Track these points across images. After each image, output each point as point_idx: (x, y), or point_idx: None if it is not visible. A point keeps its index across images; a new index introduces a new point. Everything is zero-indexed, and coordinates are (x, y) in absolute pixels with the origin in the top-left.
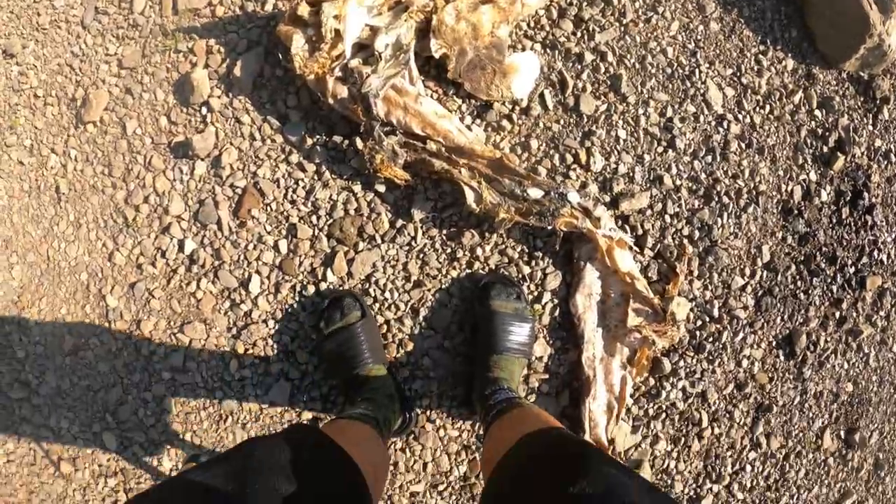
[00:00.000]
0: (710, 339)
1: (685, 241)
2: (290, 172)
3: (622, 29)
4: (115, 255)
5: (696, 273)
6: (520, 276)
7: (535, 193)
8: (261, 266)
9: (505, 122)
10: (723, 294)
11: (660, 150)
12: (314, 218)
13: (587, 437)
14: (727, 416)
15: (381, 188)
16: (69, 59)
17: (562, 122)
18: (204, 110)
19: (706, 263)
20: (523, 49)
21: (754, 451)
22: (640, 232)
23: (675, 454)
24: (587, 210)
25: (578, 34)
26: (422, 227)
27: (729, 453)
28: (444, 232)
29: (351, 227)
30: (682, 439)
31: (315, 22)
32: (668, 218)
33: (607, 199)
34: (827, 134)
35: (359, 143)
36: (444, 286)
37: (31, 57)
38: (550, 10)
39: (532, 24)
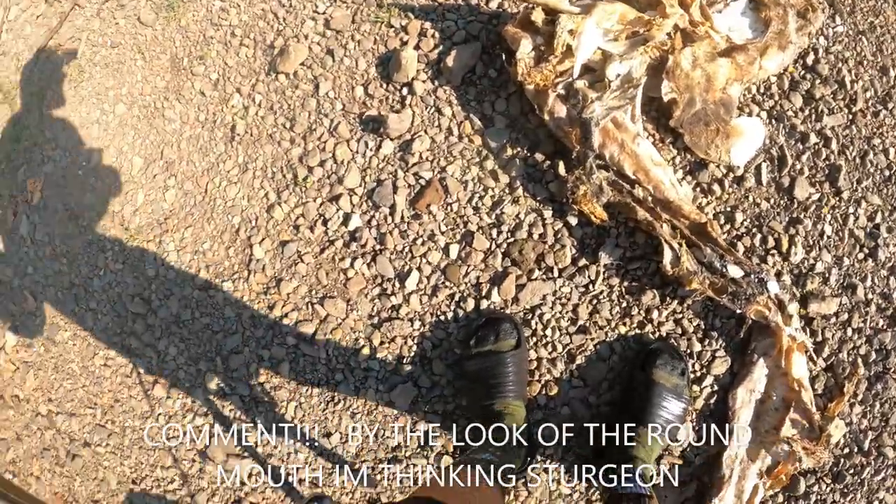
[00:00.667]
0: (852, 471)
1: (860, 360)
2: (480, 178)
3: (850, 117)
4: (274, 208)
5: (859, 397)
6: (689, 351)
7: (734, 272)
8: (423, 264)
9: (715, 187)
10: (878, 427)
11: (860, 256)
12: (494, 231)
13: None
14: None
15: (573, 220)
16: (275, 7)
17: (772, 200)
18: (405, 91)
19: (873, 390)
20: (749, 114)
21: None
22: (819, 339)
23: None
24: (782, 303)
25: (806, 112)
26: (604, 273)
27: None
28: (625, 284)
29: (531, 252)
30: None
31: (547, 31)
32: (850, 331)
33: (797, 295)
34: None
35: (561, 167)
36: (608, 339)
37: None
38: (783, 80)
39: (762, 90)
